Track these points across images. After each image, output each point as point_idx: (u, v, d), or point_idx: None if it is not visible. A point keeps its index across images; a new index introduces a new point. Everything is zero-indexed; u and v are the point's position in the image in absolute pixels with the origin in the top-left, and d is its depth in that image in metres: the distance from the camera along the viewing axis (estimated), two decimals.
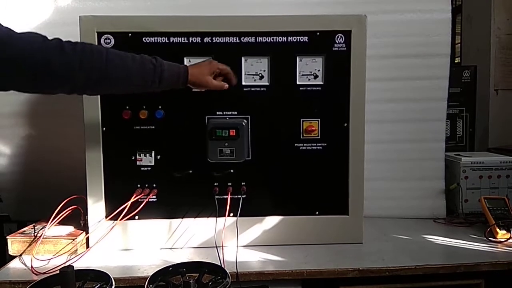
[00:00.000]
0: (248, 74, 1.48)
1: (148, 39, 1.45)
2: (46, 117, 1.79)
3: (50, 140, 1.75)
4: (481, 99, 2.20)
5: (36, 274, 1.30)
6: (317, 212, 1.54)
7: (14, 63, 0.98)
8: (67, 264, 1.32)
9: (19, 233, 1.49)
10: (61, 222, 1.50)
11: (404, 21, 1.76)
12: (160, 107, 1.47)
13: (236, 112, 1.49)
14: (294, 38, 1.47)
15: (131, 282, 1.27)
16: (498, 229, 1.54)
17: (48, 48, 1.03)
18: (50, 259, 1.39)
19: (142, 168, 1.49)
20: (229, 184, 1.50)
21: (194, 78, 1.28)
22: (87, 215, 1.50)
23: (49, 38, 1.05)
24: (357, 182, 1.52)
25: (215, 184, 1.50)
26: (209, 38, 1.46)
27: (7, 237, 1.47)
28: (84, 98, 1.44)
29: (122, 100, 1.46)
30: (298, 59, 1.48)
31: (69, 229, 1.52)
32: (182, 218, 1.51)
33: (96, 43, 1.42)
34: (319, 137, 1.51)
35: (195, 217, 1.51)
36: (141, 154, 1.49)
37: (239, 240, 1.44)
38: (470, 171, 1.80)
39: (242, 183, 1.50)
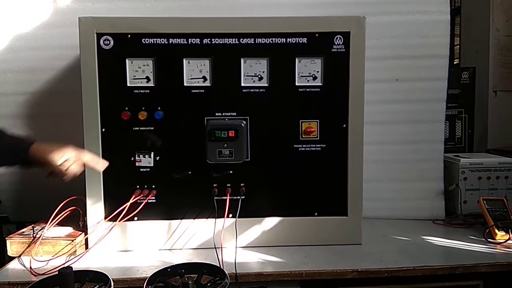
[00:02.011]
0: (247, 75, 1.48)
1: (147, 40, 1.45)
2: (45, 118, 1.79)
3: (49, 141, 1.75)
4: (480, 100, 2.21)
5: (35, 275, 1.30)
6: (316, 213, 1.54)
7: None
8: (66, 265, 1.32)
9: (18, 234, 1.49)
10: (60, 223, 1.49)
11: (403, 22, 1.76)
12: (159, 108, 1.47)
13: (235, 113, 1.49)
14: (293, 40, 1.47)
15: (130, 283, 1.27)
16: (497, 230, 1.55)
17: None
18: (49, 260, 1.40)
19: (141, 169, 1.49)
20: (228, 185, 1.50)
21: (36, 153, 1.21)
22: (86, 216, 1.50)
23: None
24: (356, 183, 1.52)
25: (214, 185, 1.50)
26: (208, 39, 1.46)
27: (6, 238, 1.47)
28: (83, 99, 1.44)
29: (121, 101, 1.46)
30: (297, 60, 1.48)
31: (68, 230, 1.52)
32: (181, 219, 1.51)
33: (95, 44, 1.43)
34: (318, 138, 1.52)
35: (194, 218, 1.51)
36: (140, 155, 1.49)
37: (238, 241, 1.44)
38: (469, 172, 1.80)
39: (241, 184, 1.50)
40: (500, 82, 2.32)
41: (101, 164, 1.36)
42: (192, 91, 1.47)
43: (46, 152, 1.21)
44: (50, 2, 1.74)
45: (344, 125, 1.51)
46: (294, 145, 1.52)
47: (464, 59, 2.68)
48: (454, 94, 2.04)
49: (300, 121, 1.51)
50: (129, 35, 1.45)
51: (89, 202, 1.49)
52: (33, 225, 1.54)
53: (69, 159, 1.26)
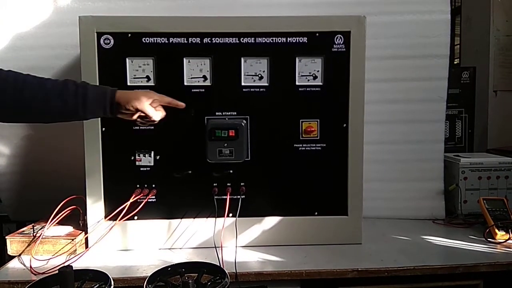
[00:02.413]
0: (247, 75, 1.48)
1: (147, 40, 1.45)
2: None
3: (50, 140, 1.75)
4: (480, 100, 2.21)
5: (35, 274, 1.30)
6: (316, 213, 1.54)
7: None
8: (66, 264, 1.31)
9: (18, 233, 1.49)
10: (60, 222, 1.49)
11: (404, 22, 1.76)
12: None
13: (235, 113, 1.49)
14: (294, 39, 1.47)
15: (130, 282, 1.27)
16: (497, 230, 1.55)
17: None
18: (49, 259, 1.40)
19: (141, 168, 1.49)
20: (228, 184, 1.50)
21: (123, 99, 1.15)
22: (86, 215, 1.50)
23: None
24: (356, 182, 1.52)
25: (214, 184, 1.50)
26: (209, 38, 1.46)
27: (6, 237, 1.47)
28: None
29: None
30: (297, 59, 1.48)
31: (68, 229, 1.52)
32: (181, 218, 1.51)
33: (96, 43, 1.43)
34: (318, 138, 1.52)
35: (194, 218, 1.51)
36: (140, 155, 1.49)
37: (238, 240, 1.44)
38: (469, 172, 1.80)
39: (241, 184, 1.50)
40: (500, 81, 2.32)
41: (181, 103, 1.30)
42: (193, 90, 1.47)
43: (133, 98, 1.16)
44: (50, 1, 1.74)
45: (345, 125, 1.51)
46: (294, 145, 1.52)
47: (464, 58, 2.69)
48: (454, 94, 2.04)
49: (301, 120, 1.51)
50: (129, 34, 1.45)
51: (89, 201, 1.49)
52: (33, 224, 1.54)
53: (155, 101, 1.23)
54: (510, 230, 1.54)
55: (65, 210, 1.49)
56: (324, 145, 1.52)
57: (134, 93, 1.20)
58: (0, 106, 1.04)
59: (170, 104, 1.29)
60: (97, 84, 1.42)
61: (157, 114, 1.24)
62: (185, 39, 1.46)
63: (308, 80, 1.50)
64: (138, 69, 1.46)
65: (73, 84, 1.09)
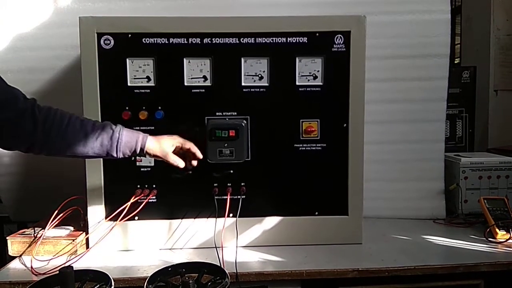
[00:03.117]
0: (247, 75, 1.48)
1: (147, 40, 1.45)
2: None
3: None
4: (481, 99, 2.21)
5: (36, 275, 1.30)
6: (316, 213, 1.54)
7: None
8: (66, 264, 1.32)
9: (19, 234, 1.50)
10: (61, 223, 1.50)
11: (404, 21, 1.76)
12: (159, 107, 1.47)
13: (235, 113, 1.49)
14: (294, 39, 1.47)
15: (130, 283, 1.28)
16: (497, 230, 1.55)
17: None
18: (50, 259, 1.40)
19: (141, 169, 1.50)
20: (228, 184, 1.50)
21: (152, 150, 1.25)
22: (87, 215, 1.50)
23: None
24: (357, 182, 1.52)
25: (215, 184, 1.50)
26: (209, 39, 1.46)
27: (7, 238, 1.47)
28: (84, 99, 1.45)
29: (122, 101, 1.46)
30: (297, 59, 1.48)
31: (69, 229, 1.52)
32: (182, 218, 1.51)
33: (96, 44, 1.43)
34: (318, 138, 1.52)
35: (194, 218, 1.51)
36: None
37: (238, 240, 1.44)
38: (469, 171, 1.80)
39: (242, 184, 1.51)
40: (501, 81, 2.32)
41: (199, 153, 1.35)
42: (193, 90, 1.47)
43: (157, 151, 1.25)
44: (50, 2, 1.74)
45: (345, 125, 1.51)
46: (295, 145, 1.52)
47: (465, 58, 2.68)
48: (455, 94, 2.04)
49: (301, 120, 1.51)
50: (129, 35, 1.45)
51: (89, 202, 1.49)
52: (34, 224, 1.55)
53: (177, 147, 1.30)
54: (510, 229, 1.54)
55: (66, 211, 1.49)
56: (325, 145, 1.52)
57: (160, 148, 1.26)
58: (45, 142, 1.11)
59: (189, 152, 1.33)
60: (98, 82, 1.44)
61: (181, 163, 1.30)
62: (185, 39, 1.46)
63: (308, 80, 1.50)
64: (138, 70, 1.46)
65: (109, 128, 1.18)
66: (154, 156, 1.26)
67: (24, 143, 1.10)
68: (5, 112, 1.03)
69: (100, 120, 1.46)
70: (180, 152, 1.31)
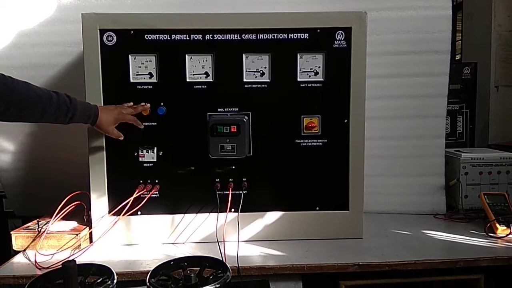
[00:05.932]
0: (249, 71, 1.49)
1: (150, 36, 1.46)
2: None
3: (54, 137, 1.76)
4: (482, 95, 2.21)
5: (39, 269, 1.32)
6: (317, 208, 1.55)
7: None
8: (70, 258, 1.33)
9: (23, 229, 1.51)
10: (65, 218, 1.51)
11: (405, 18, 1.76)
12: (162, 103, 1.48)
13: (237, 109, 1.50)
14: (295, 35, 1.48)
15: (133, 276, 1.29)
16: (498, 225, 1.55)
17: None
18: (53, 254, 1.41)
19: (144, 164, 1.51)
20: (230, 180, 1.51)
21: (99, 124, 1.39)
22: (90, 210, 1.51)
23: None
24: (358, 178, 1.53)
25: (217, 180, 1.51)
26: (211, 35, 1.47)
27: (11, 232, 1.49)
28: (87, 95, 1.46)
29: (124, 97, 1.47)
30: (298, 56, 1.49)
31: (73, 224, 1.54)
32: (184, 213, 1.53)
33: (99, 40, 1.44)
34: (319, 134, 1.52)
35: (197, 213, 1.53)
36: (144, 150, 1.50)
37: (240, 235, 1.45)
38: (470, 167, 1.81)
39: (243, 179, 1.52)
40: (502, 77, 2.33)
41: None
42: (195, 86, 1.48)
43: (106, 124, 1.41)
44: None
45: (346, 120, 1.52)
46: (296, 140, 1.53)
47: (466, 54, 2.69)
48: (456, 89, 2.05)
49: (302, 116, 1.52)
50: (132, 31, 1.46)
51: (93, 197, 1.50)
52: (38, 219, 1.56)
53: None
54: (511, 224, 1.54)
55: (70, 206, 1.50)
56: (326, 140, 1.53)
57: (106, 122, 1.41)
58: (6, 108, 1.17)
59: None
60: (101, 78, 1.47)
61: (116, 135, 1.45)
62: (187, 35, 1.46)
63: (310, 76, 1.50)
64: (141, 66, 1.47)
65: (64, 104, 1.29)
66: (99, 128, 1.40)
67: None
68: None
69: None
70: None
